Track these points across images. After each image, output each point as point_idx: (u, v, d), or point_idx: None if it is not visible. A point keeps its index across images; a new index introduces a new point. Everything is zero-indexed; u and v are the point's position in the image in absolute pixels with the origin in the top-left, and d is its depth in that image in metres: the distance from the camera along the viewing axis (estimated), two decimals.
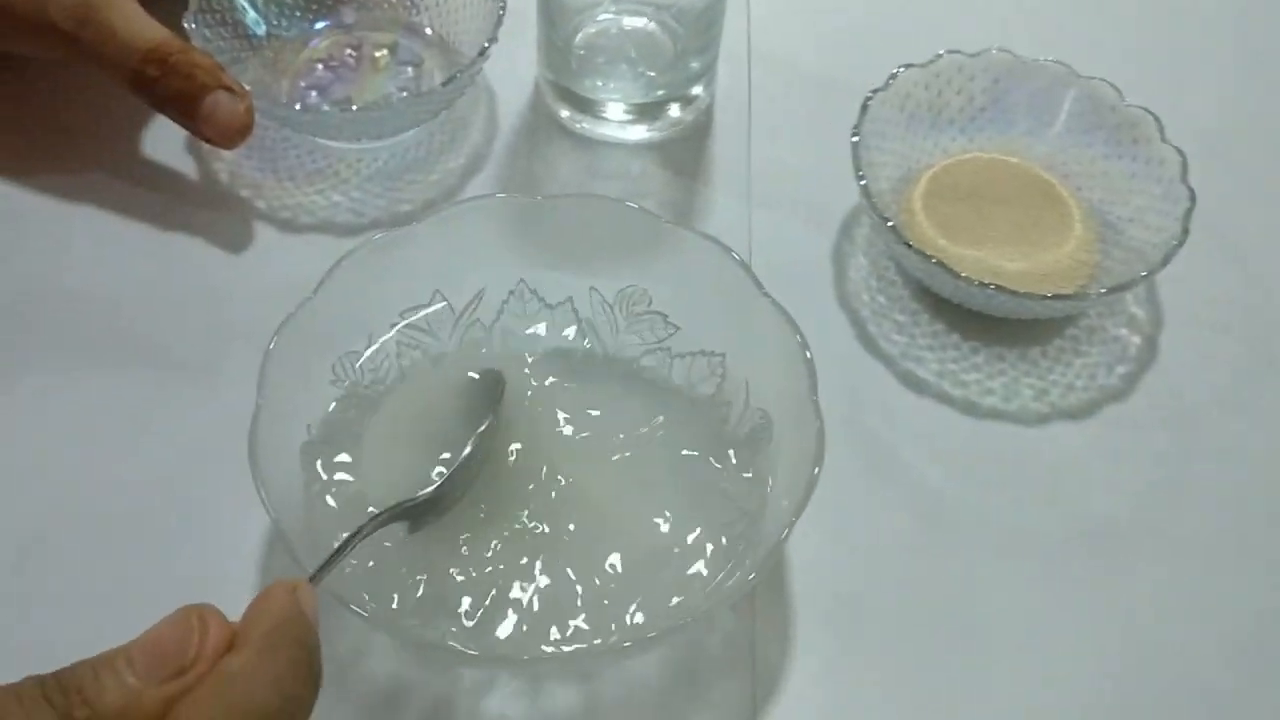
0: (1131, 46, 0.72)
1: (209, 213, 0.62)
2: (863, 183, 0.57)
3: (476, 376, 0.51)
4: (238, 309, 0.58)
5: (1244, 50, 0.74)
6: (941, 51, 0.62)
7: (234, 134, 0.58)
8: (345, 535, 0.42)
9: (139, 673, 0.33)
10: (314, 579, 0.39)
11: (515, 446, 0.50)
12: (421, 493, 0.46)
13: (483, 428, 0.48)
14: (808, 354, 0.47)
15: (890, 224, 0.56)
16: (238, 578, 0.50)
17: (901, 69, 0.61)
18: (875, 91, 0.60)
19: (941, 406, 0.57)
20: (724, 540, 0.48)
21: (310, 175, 0.64)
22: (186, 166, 0.64)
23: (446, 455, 0.48)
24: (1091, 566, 0.52)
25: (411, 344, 0.53)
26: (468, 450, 0.48)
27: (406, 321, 0.53)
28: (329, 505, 0.48)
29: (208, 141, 0.59)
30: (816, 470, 0.45)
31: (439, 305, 0.53)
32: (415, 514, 0.46)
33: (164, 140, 0.65)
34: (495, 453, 0.49)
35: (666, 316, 0.53)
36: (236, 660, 0.33)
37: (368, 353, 0.52)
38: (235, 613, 0.47)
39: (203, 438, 0.54)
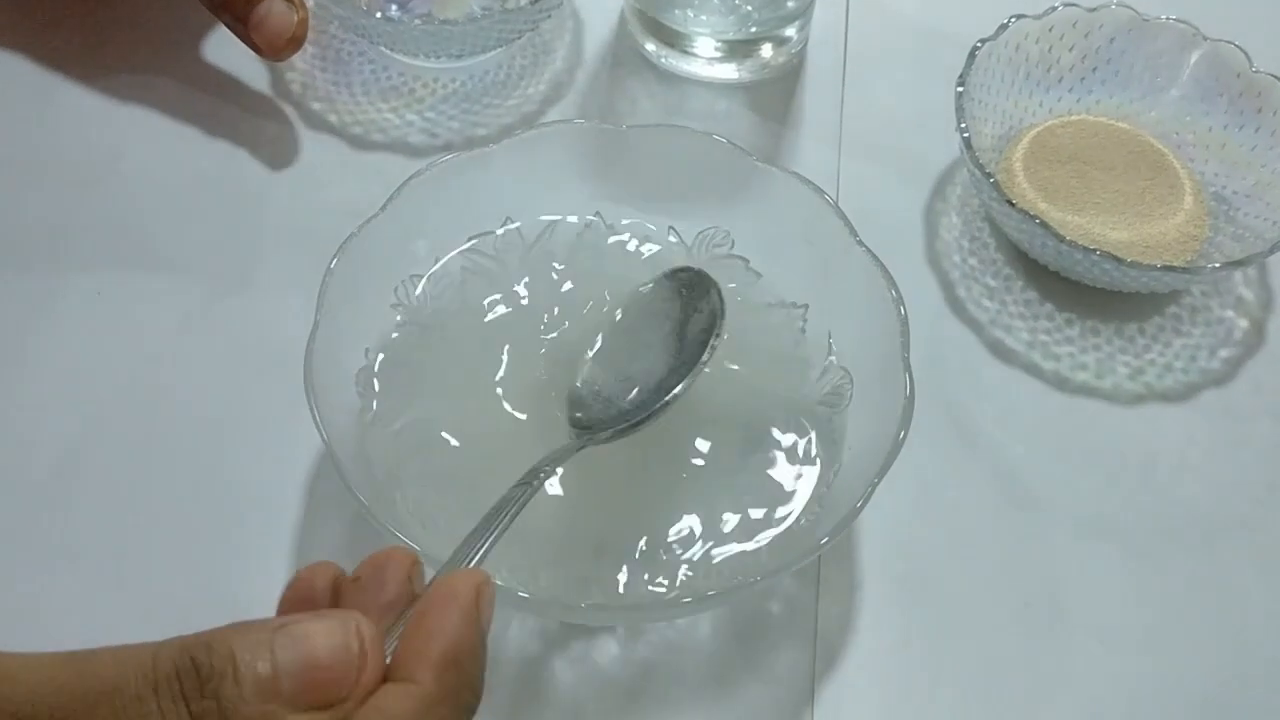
0: (1265, 7, 0.67)
1: (278, 124, 0.60)
2: (965, 135, 0.54)
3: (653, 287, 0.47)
4: (302, 223, 0.56)
5: None
6: (1058, 4, 0.58)
7: (283, 46, 0.56)
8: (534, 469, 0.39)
9: (285, 694, 0.28)
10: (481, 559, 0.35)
11: None
12: (607, 432, 0.43)
13: (709, 350, 0.44)
14: (902, 310, 0.44)
15: (992, 179, 0.52)
16: (285, 496, 0.48)
17: (1014, 19, 0.57)
18: (984, 41, 0.57)
19: (1030, 379, 0.53)
20: (798, 503, 0.45)
21: (385, 92, 0.62)
22: (258, 76, 0.62)
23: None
24: (1179, 560, 0.49)
25: (477, 271, 0.50)
26: (679, 390, 0.44)
27: (474, 247, 0.50)
28: (383, 433, 0.45)
29: (257, 51, 0.57)
30: (902, 435, 0.42)
31: (509, 231, 0.51)
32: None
33: (236, 47, 0.62)
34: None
35: (748, 262, 0.50)
36: (399, 704, 0.29)
37: (429, 275, 0.49)
38: (283, 534, 0.45)
39: (259, 352, 0.52)
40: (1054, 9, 0.58)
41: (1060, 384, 0.53)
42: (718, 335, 0.44)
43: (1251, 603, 0.48)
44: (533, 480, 0.39)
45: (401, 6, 0.63)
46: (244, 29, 0.56)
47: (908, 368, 0.43)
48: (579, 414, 0.44)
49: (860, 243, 0.47)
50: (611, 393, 0.45)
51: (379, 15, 0.61)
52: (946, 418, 0.52)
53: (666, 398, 0.43)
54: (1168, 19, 0.58)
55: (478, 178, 0.49)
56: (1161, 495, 0.51)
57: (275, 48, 0.56)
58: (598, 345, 0.47)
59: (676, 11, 0.61)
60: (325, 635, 0.29)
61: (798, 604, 0.46)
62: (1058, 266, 0.54)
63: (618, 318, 0.48)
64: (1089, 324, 0.55)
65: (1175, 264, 0.54)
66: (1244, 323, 0.56)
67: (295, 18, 0.56)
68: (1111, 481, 0.51)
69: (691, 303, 0.46)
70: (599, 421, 0.44)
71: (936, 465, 0.51)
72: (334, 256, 0.45)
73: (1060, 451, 0.52)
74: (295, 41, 0.56)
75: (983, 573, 0.48)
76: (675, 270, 0.47)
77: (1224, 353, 0.55)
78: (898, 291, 0.45)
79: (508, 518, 0.37)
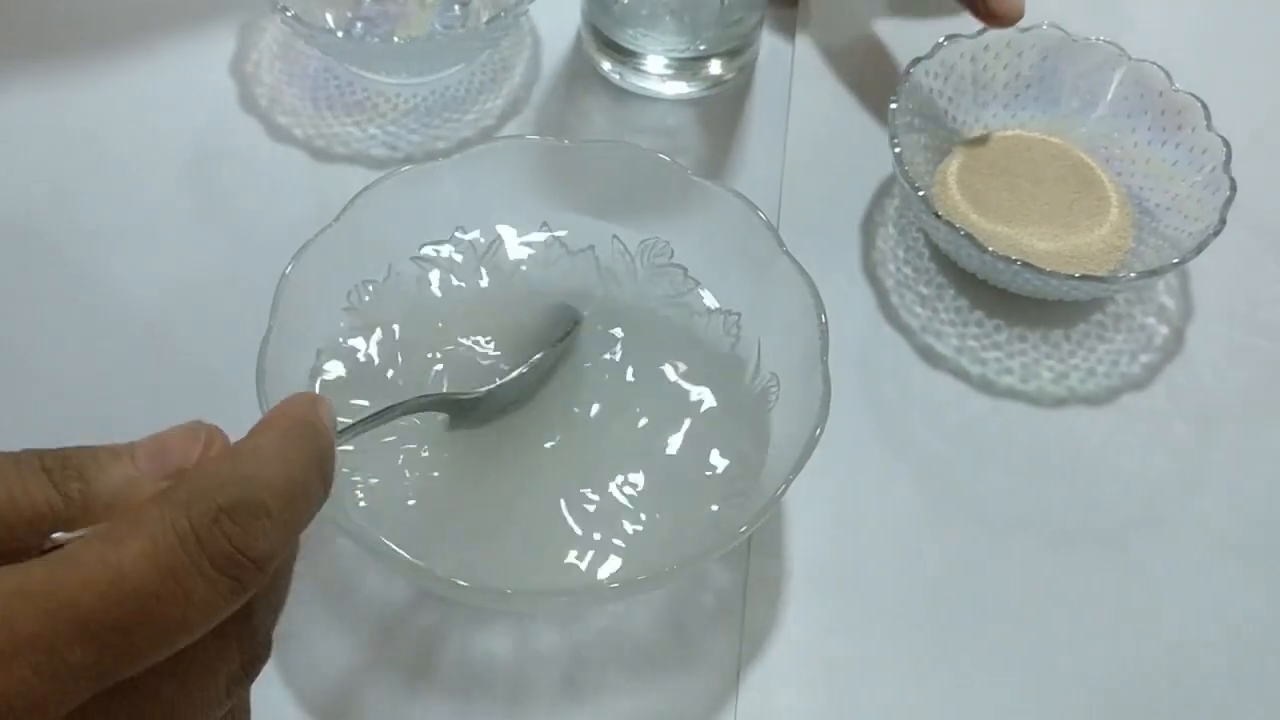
0: (1186, 30, 0.71)
1: (244, 136, 0.63)
2: (896, 150, 0.56)
3: (549, 307, 0.52)
4: (262, 232, 0.59)
5: None
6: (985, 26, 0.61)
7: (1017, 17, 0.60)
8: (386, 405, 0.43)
9: (140, 465, 0.31)
10: (340, 435, 0.38)
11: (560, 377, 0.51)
12: (471, 391, 0.48)
13: (550, 350, 0.50)
14: (822, 317, 0.47)
15: (921, 193, 0.55)
16: None
17: (947, 39, 0.60)
18: (918, 60, 0.59)
19: (958, 382, 0.56)
20: (726, 496, 0.48)
21: (349, 106, 0.64)
22: (227, 90, 0.65)
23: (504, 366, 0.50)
24: (1096, 556, 0.51)
25: (429, 279, 0.53)
26: (523, 370, 0.49)
27: (426, 256, 0.53)
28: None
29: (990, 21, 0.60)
30: (818, 431, 0.44)
31: (460, 240, 0.53)
32: (457, 409, 0.48)
33: (206, 60, 0.65)
34: (542, 383, 0.50)
35: (687, 270, 0.53)
36: (248, 441, 0.31)
37: (382, 281, 0.52)
38: None
39: (216, 355, 0.54)
40: (986, 28, 0.61)
41: (986, 387, 0.56)
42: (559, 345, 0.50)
43: (1162, 597, 0.50)
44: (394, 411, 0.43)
45: (366, 24, 0.66)
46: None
47: (825, 370, 0.46)
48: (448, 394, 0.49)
49: (787, 253, 0.49)
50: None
51: (341, 34, 0.64)
52: (876, 419, 0.55)
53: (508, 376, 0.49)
54: (1096, 39, 0.61)
55: (429, 190, 0.52)
56: (1080, 495, 0.53)
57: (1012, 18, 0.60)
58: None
59: (629, 31, 0.63)
60: (176, 427, 0.32)
61: (727, 594, 0.49)
62: (985, 276, 0.57)
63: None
64: (1016, 330, 0.58)
65: (1093, 273, 0.56)
66: (1164, 329, 0.59)
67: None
68: (1032, 480, 0.53)
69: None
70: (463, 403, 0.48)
71: (864, 463, 0.53)
72: (288, 264, 0.48)
73: (983, 451, 0.54)
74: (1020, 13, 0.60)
75: (905, 565, 0.50)
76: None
77: (1144, 358, 0.58)
78: (818, 298, 0.47)
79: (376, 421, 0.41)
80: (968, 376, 0.56)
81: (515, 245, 0.54)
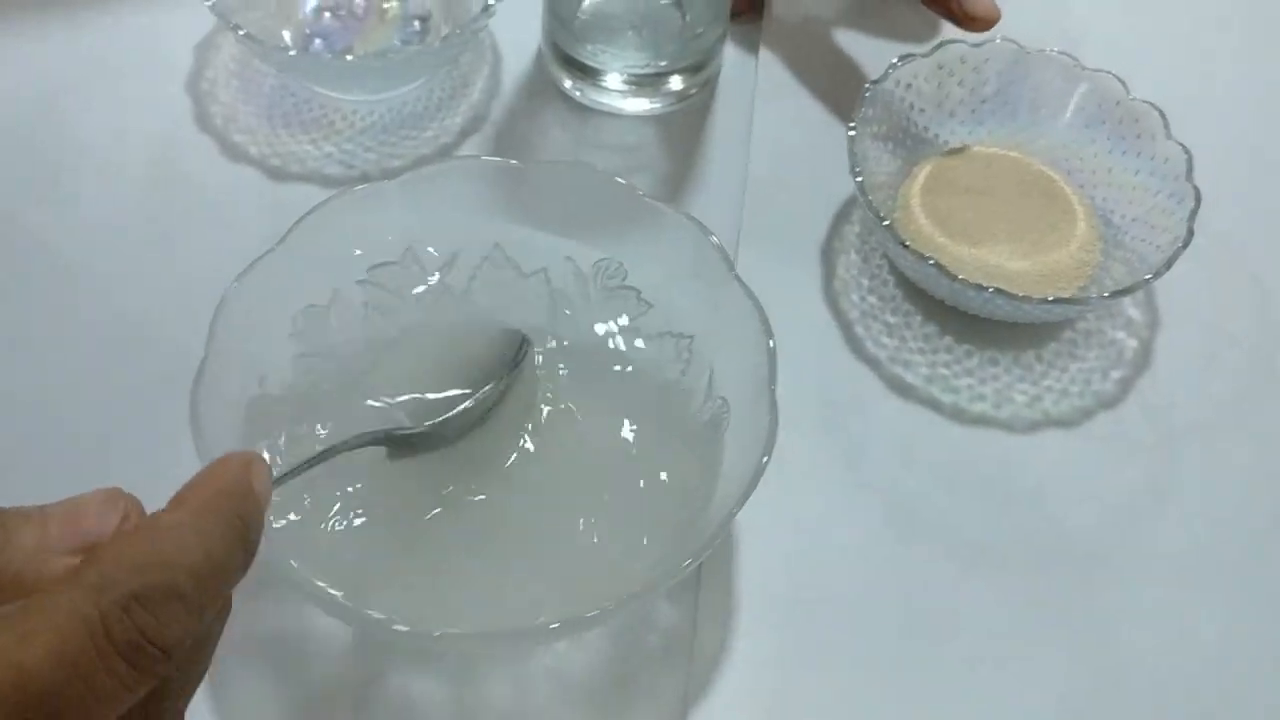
0: (1140, 39, 0.69)
1: (198, 155, 0.62)
2: (858, 179, 0.55)
3: (497, 333, 0.51)
4: (212, 254, 0.57)
5: (1255, 43, 0.71)
6: (942, 41, 0.60)
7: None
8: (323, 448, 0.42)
9: (52, 532, 0.30)
10: (277, 482, 0.37)
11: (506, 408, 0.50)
12: (415, 427, 0.47)
13: (495, 384, 0.49)
14: (770, 342, 0.46)
15: (886, 223, 0.54)
16: None
17: (901, 60, 0.59)
18: (874, 82, 0.58)
19: (929, 412, 0.55)
20: (672, 528, 0.46)
21: (305, 124, 0.63)
22: (182, 106, 0.64)
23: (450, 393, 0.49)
24: (1065, 584, 0.50)
25: (375, 303, 0.52)
26: (468, 405, 0.48)
27: (373, 278, 0.52)
28: (273, 462, 0.47)
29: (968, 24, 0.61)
30: (765, 459, 0.43)
31: (409, 263, 0.52)
32: (399, 444, 0.46)
33: (162, 78, 0.64)
34: (488, 415, 0.49)
35: (640, 293, 0.52)
36: (167, 516, 0.31)
37: (327, 306, 0.51)
38: None
39: (156, 385, 0.52)
40: (940, 46, 0.60)
41: (958, 416, 0.55)
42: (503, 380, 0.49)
43: (1134, 622, 0.49)
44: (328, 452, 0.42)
45: (325, 40, 0.65)
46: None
47: (773, 398, 0.45)
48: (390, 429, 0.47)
49: (737, 278, 0.48)
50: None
51: (295, 52, 0.63)
52: (840, 454, 0.53)
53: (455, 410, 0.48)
54: (1051, 51, 0.60)
55: (378, 211, 0.51)
56: (1052, 521, 0.52)
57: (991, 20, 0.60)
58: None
59: (589, 47, 0.62)
60: (94, 493, 0.32)
61: (675, 630, 0.48)
62: (955, 302, 0.56)
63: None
64: (988, 354, 0.57)
65: (1065, 295, 0.55)
66: (1134, 343, 0.58)
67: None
68: (1004, 509, 0.52)
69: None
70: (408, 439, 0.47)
71: (828, 497, 0.52)
72: (226, 291, 0.47)
73: (954, 482, 0.53)
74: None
75: (866, 600, 0.49)
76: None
77: (1116, 374, 0.57)
78: (767, 323, 0.46)
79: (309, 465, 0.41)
80: (939, 406, 0.55)
81: (467, 267, 0.53)
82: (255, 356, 0.48)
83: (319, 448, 0.43)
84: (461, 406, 0.48)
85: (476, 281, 0.53)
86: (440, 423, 0.47)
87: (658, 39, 0.62)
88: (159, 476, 0.48)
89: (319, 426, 0.49)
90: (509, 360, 0.50)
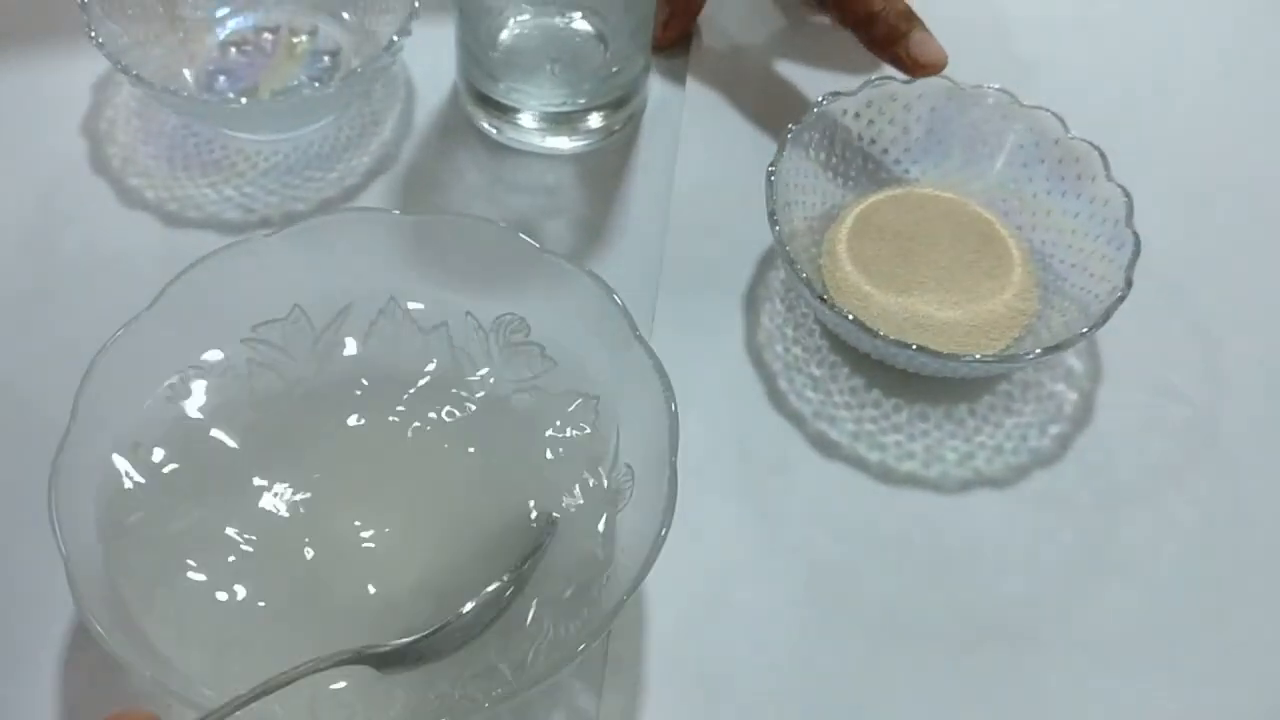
0: (1075, 77, 0.67)
1: (92, 200, 0.59)
2: (776, 228, 0.52)
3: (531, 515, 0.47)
4: (100, 307, 0.53)
5: (1198, 81, 0.69)
6: (872, 78, 0.57)
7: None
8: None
9: None
10: None
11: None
12: (391, 644, 0.41)
13: (505, 580, 0.43)
14: (673, 407, 0.43)
15: (804, 276, 0.51)
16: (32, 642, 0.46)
17: (827, 98, 0.56)
18: (797, 124, 0.55)
19: (854, 472, 0.52)
20: (571, 606, 0.43)
21: (205, 166, 0.60)
22: (76, 148, 0.61)
23: None
24: (995, 659, 0.47)
25: (263, 360, 0.49)
26: (472, 604, 0.43)
27: (259, 335, 0.49)
28: (142, 550, 0.43)
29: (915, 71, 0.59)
30: (664, 532, 0.40)
31: (297, 319, 0.49)
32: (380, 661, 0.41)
33: (56, 119, 0.61)
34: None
35: (544, 349, 0.49)
36: None
37: (209, 367, 0.48)
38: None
39: (24, 456, 0.47)
40: (869, 84, 0.57)
41: (885, 475, 0.52)
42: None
43: (1060, 708, 0.46)
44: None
45: (230, 77, 0.62)
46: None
47: (673, 471, 0.42)
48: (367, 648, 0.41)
49: (639, 339, 0.45)
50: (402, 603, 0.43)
51: (187, 94, 0.60)
52: (759, 517, 0.50)
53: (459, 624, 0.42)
54: (987, 88, 0.57)
55: (260, 267, 0.48)
56: (984, 590, 0.49)
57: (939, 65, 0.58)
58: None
59: (502, 85, 0.59)
60: None
61: (581, 707, 0.45)
62: (879, 357, 0.53)
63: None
64: (917, 409, 0.54)
65: (993, 352, 0.53)
66: (1074, 395, 0.55)
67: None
68: (933, 576, 0.49)
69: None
70: (388, 655, 0.41)
71: (742, 565, 0.49)
72: (94, 359, 0.44)
73: (877, 547, 0.50)
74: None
75: (777, 674, 0.46)
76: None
77: (1054, 429, 0.54)
78: (670, 393, 0.44)
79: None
80: (865, 465, 0.52)
81: (361, 322, 0.50)
82: (126, 427, 0.45)
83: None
84: (469, 607, 0.43)
85: (373, 338, 0.50)
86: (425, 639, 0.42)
87: (577, 75, 0.59)
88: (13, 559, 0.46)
89: (195, 508, 0.45)
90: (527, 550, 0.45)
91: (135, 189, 0.59)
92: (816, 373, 0.55)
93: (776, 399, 0.54)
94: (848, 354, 0.55)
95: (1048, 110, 0.56)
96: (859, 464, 0.52)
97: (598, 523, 0.45)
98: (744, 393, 0.54)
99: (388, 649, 0.41)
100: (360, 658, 0.40)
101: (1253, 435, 0.54)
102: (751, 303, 0.57)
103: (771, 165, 0.54)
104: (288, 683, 0.37)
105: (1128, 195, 0.53)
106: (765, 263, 0.58)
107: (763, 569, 0.49)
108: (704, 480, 0.50)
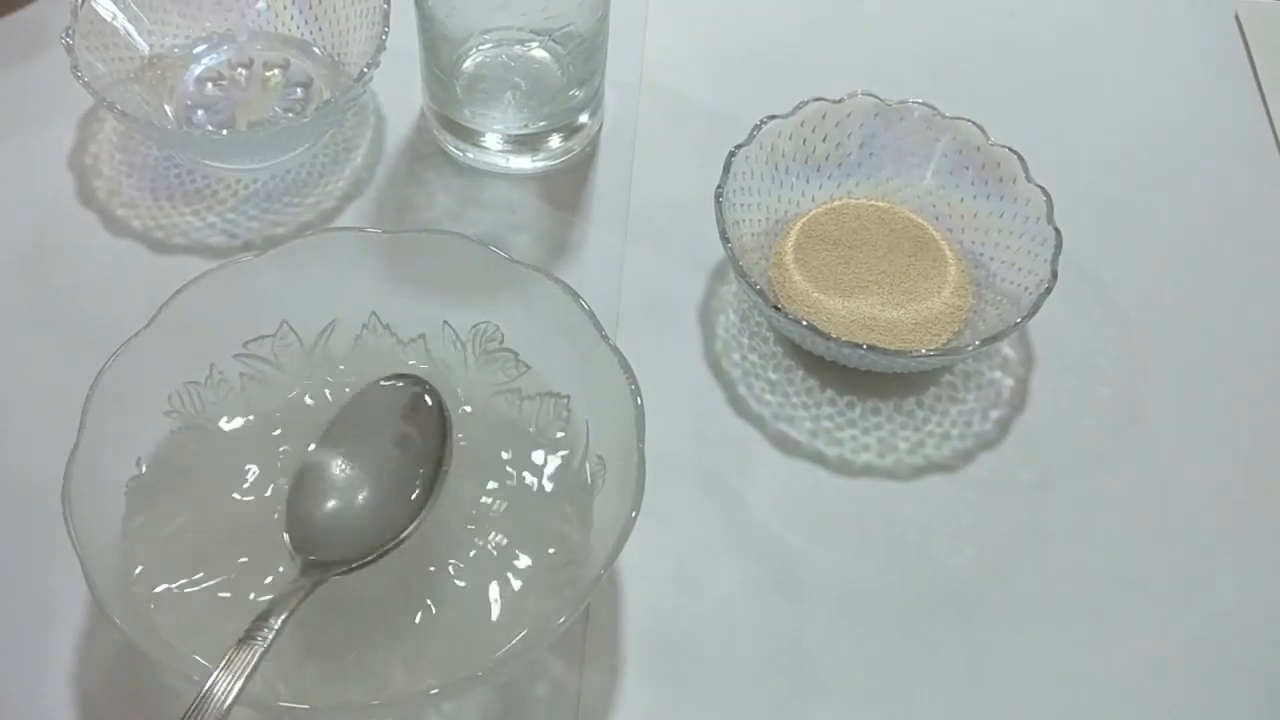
0: (997, 87, 0.71)
1: (80, 231, 0.62)
2: (728, 245, 0.56)
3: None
4: (93, 331, 0.57)
5: (1105, 84, 0.73)
6: (805, 100, 0.61)
7: None
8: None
9: None
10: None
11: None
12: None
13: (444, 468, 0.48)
14: (639, 400, 0.47)
15: (758, 288, 0.55)
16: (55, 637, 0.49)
17: (765, 120, 0.60)
18: (739, 147, 0.59)
19: (814, 467, 0.55)
20: (553, 585, 0.47)
21: (188, 195, 0.64)
22: (64, 182, 0.64)
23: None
24: (946, 629, 0.51)
25: (255, 375, 0.52)
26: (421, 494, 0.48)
27: (250, 351, 0.52)
28: (147, 550, 0.47)
29: None
30: (634, 514, 0.44)
31: (286, 335, 0.53)
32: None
33: (43, 154, 0.65)
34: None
35: (518, 355, 0.53)
36: None
37: (204, 382, 0.51)
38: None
39: (33, 470, 0.51)
40: (802, 105, 0.61)
41: (843, 468, 0.55)
42: (448, 453, 0.48)
43: (1006, 671, 0.50)
44: (259, 635, 0.41)
45: (208, 111, 0.66)
46: None
47: (641, 456, 0.45)
48: (311, 555, 0.45)
49: (605, 339, 0.49)
50: (341, 519, 0.47)
51: (170, 127, 0.63)
52: (723, 511, 0.54)
53: (403, 534, 0.46)
54: (911, 102, 0.61)
55: (249, 287, 0.51)
56: (935, 565, 0.53)
57: None
58: (322, 466, 0.49)
59: (467, 110, 0.63)
60: None
61: (561, 686, 0.48)
62: (833, 358, 0.56)
63: (332, 430, 0.49)
64: (870, 404, 0.57)
65: (936, 345, 0.57)
66: (1010, 382, 0.59)
67: None
68: (885, 559, 0.53)
69: (411, 411, 0.48)
70: (332, 562, 0.45)
71: (712, 555, 0.53)
72: (99, 373, 0.47)
73: (839, 533, 0.53)
74: None
75: (752, 652, 0.50)
76: (389, 377, 0.50)
77: (994, 414, 0.58)
78: (636, 384, 0.47)
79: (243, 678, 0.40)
80: (824, 460, 0.56)
81: (345, 336, 0.53)
82: (132, 439, 0.48)
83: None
84: (409, 530, 0.47)
85: (356, 351, 0.53)
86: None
87: (537, 100, 0.63)
88: (33, 563, 0.50)
89: (195, 509, 0.49)
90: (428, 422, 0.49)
91: (122, 219, 0.63)
92: (773, 377, 0.58)
93: (737, 404, 0.57)
94: (801, 357, 0.59)
95: (969, 120, 0.61)
96: (818, 459, 0.56)
97: (573, 508, 0.49)
98: (706, 400, 0.57)
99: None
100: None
101: (1170, 412, 0.58)
102: (706, 315, 0.60)
103: (719, 187, 0.58)
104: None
105: (1047, 195, 0.58)
106: (717, 276, 0.62)
107: (730, 551, 0.53)
108: (672, 480, 0.54)
